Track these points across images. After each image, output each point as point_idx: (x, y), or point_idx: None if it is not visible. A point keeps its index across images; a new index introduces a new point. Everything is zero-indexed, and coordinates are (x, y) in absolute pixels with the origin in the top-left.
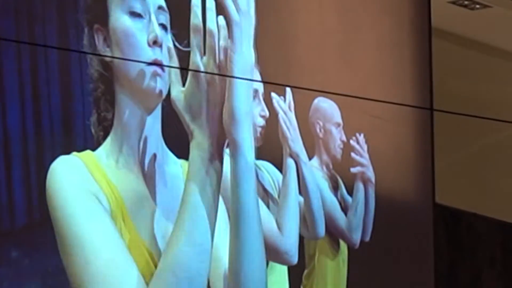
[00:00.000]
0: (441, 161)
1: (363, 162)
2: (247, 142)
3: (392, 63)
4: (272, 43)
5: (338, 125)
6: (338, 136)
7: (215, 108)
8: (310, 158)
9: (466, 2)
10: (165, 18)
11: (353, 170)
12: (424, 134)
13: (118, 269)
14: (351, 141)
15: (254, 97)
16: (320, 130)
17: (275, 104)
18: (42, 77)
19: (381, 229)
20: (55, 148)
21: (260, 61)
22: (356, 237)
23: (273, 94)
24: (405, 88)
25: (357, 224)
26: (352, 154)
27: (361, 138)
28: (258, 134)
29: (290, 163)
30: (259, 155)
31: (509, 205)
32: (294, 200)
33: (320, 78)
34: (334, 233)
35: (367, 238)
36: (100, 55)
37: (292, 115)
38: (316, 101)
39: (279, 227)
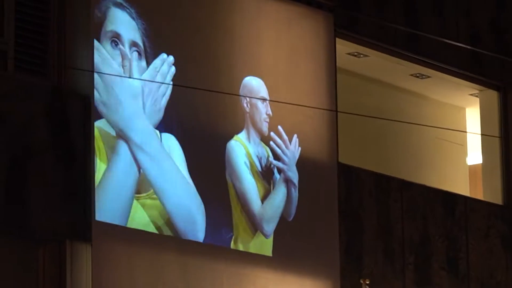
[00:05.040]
0: (344, 138)
1: (284, 159)
2: None
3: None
4: None
5: (264, 100)
6: (263, 110)
7: None
8: (239, 132)
9: None
10: None
11: (274, 162)
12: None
13: None
14: (271, 134)
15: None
16: (247, 105)
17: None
18: None
19: (302, 184)
20: None
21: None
22: (268, 229)
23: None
24: (322, 98)
25: (271, 216)
26: (272, 144)
27: (294, 139)
28: None
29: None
30: None
31: (382, 161)
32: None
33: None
34: (249, 216)
35: (290, 219)
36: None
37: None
38: (246, 79)
39: None
